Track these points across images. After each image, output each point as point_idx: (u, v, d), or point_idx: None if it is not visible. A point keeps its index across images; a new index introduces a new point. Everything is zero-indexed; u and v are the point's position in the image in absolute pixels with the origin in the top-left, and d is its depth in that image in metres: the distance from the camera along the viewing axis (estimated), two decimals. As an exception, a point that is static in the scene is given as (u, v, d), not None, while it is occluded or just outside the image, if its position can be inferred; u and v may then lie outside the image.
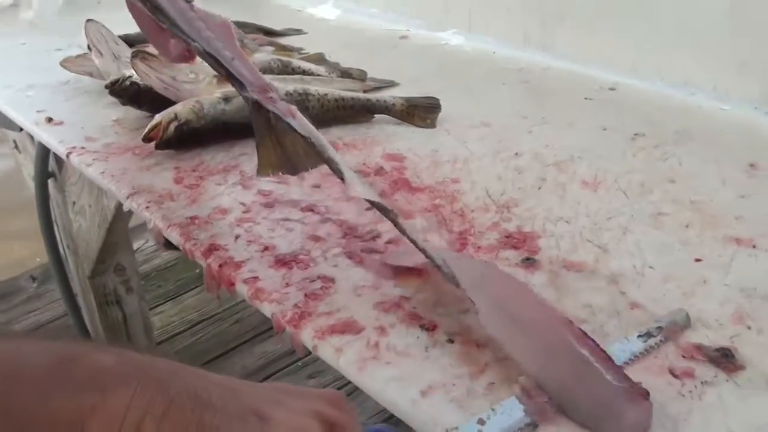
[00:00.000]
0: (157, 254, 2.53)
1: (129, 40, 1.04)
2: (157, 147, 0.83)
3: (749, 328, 0.54)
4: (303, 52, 1.17)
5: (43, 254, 1.52)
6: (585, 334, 0.50)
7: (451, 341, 0.53)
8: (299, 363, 2.06)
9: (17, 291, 2.41)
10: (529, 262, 0.62)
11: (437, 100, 0.93)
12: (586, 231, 0.67)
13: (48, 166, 1.33)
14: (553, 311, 0.53)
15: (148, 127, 0.83)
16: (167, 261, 2.51)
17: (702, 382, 0.48)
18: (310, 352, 0.55)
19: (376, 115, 0.94)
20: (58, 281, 1.48)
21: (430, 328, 0.55)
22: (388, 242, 0.66)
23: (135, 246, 2.50)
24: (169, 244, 0.71)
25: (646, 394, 0.45)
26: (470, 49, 1.21)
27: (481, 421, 0.45)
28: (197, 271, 2.57)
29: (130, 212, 1.30)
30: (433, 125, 0.91)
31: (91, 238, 1.40)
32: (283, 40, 1.26)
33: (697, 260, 0.62)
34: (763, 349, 0.51)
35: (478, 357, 0.52)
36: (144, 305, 1.59)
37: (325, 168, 0.74)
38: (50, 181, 1.36)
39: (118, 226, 1.34)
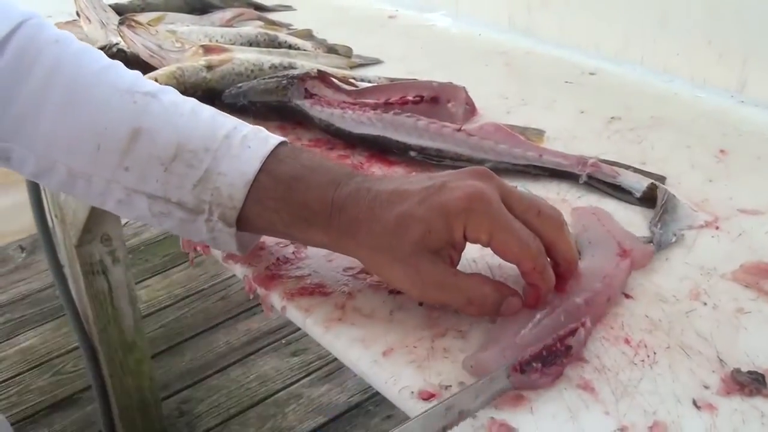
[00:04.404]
0: (146, 228, 2.55)
1: (118, 9, 1.06)
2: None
3: (705, 304, 0.56)
4: (291, 28, 1.18)
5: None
6: None
7: (420, 304, 0.55)
8: (283, 341, 2.08)
9: (5, 260, 2.43)
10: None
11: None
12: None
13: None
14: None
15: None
16: (156, 235, 2.53)
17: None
18: (295, 327, 0.57)
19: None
20: (45, 250, 1.49)
21: (396, 292, 0.56)
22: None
23: (124, 220, 2.52)
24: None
25: None
26: (457, 31, 1.23)
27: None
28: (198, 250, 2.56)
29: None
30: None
31: (78, 207, 1.42)
32: (273, 16, 1.27)
33: (661, 238, 0.64)
34: (715, 323, 0.54)
35: (439, 320, 0.53)
36: (130, 276, 1.61)
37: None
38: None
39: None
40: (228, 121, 0.58)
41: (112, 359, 1.60)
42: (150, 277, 2.34)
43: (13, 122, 0.57)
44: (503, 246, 0.50)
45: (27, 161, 0.58)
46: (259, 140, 0.56)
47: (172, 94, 0.60)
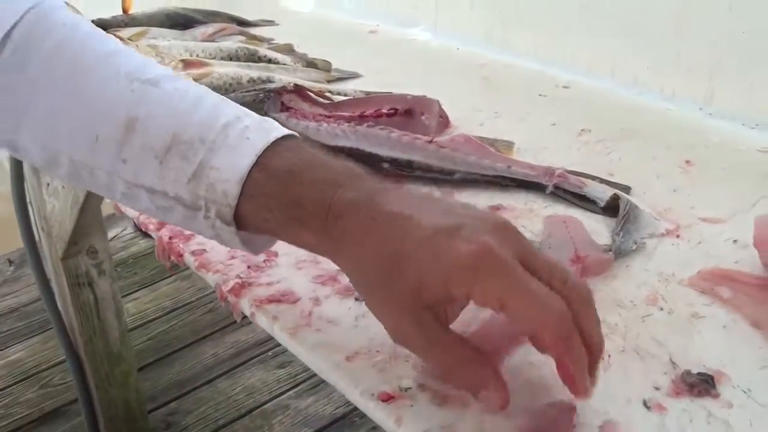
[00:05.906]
0: (135, 242, 2.56)
1: (101, 24, 1.07)
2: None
3: (661, 309, 0.57)
4: (273, 42, 1.20)
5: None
6: None
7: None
8: (270, 353, 2.09)
9: (-6, 274, 2.43)
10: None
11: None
12: (521, 217, 0.71)
13: (22, 148, 1.34)
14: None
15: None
16: (144, 248, 2.53)
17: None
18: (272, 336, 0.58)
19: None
20: (31, 264, 1.50)
21: (362, 299, 0.58)
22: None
23: (113, 233, 2.53)
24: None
25: None
26: (436, 45, 1.25)
27: None
28: (172, 259, 2.57)
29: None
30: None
31: (63, 219, 1.43)
32: (255, 31, 1.29)
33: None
34: (669, 327, 0.55)
35: (402, 326, 0.55)
36: (116, 289, 1.61)
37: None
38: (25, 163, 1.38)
39: (91, 208, 1.36)
40: (231, 110, 0.52)
41: (97, 371, 1.60)
42: (138, 290, 2.34)
43: (15, 113, 0.54)
44: (518, 311, 0.42)
45: (32, 152, 0.55)
46: (261, 131, 0.51)
47: (177, 81, 0.54)
